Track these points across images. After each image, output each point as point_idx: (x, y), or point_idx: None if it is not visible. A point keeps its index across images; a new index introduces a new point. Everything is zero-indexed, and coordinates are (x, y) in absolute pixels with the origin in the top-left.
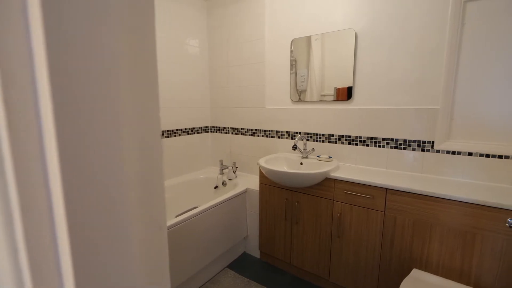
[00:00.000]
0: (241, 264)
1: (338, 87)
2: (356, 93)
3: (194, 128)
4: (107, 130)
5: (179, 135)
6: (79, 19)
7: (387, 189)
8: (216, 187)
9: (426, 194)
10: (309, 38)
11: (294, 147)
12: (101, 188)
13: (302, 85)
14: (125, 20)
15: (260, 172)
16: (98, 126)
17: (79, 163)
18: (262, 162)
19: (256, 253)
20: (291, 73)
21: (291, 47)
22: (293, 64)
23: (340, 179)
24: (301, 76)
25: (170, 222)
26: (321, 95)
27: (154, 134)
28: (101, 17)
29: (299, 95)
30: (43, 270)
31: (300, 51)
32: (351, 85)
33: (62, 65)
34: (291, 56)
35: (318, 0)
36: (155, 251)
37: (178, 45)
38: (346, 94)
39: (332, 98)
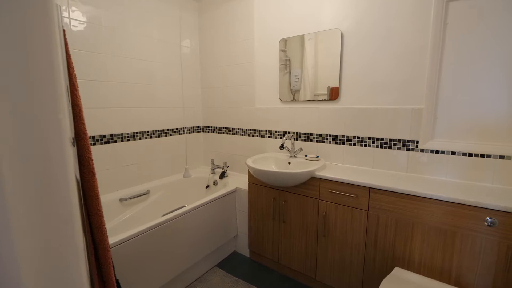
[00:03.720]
0: (231, 263)
1: (331, 86)
2: (342, 92)
3: (185, 128)
4: None
5: (170, 134)
6: None
7: (370, 188)
8: (207, 187)
9: (407, 193)
10: (302, 38)
11: (282, 147)
12: None
13: (296, 85)
14: None
15: (249, 172)
16: None
17: None
18: (250, 162)
19: (246, 252)
20: (285, 73)
21: (279, 47)
22: (287, 64)
23: (325, 178)
24: (295, 76)
25: (156, 221)
26: (315, 95)
27: (53, 136)
28: None
29: (293, 95)
30: None
31: (294, 50)
32: (337, 85)
33: None
34: (284, 56)
35: (304, 0)
36: (58, 244)
37: (169, 46)
38: (339, 93)
39: (326, 97)
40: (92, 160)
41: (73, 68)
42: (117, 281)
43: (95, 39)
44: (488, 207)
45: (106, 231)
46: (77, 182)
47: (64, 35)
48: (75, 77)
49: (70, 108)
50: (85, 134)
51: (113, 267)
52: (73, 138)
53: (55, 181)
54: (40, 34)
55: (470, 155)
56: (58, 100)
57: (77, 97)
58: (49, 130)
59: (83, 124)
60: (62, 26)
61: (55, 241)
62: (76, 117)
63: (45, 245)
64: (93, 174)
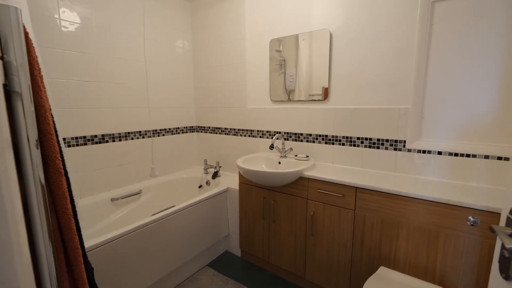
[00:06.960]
0: (222, 263)
1: (325, 86)
2: (332, 93)
3: (179, 128)
4: None
5: (163, 134)
6: None
7: (356, 187)
8: (200, 187)
9: (392, 192)
10: (296, 38)
11: (271, 147)
12: None
13: (291, 85)
14: None
15: (239, 172)
16: None
17: None
18: (240, 162)
19: (237, 252)
20: (280, 73)
21: (270, 48)
22: (282, 64)
23: (313, 178)
24: (290, 76)
25: (143, 221)
26: (309, 95)
27: None
28: None
29: (288, 95)
30: None
31: (289, 50)
32: (327, 85)
33: None
34: (279, 56)
35: (294, 1)
36: None
37: (162, 46)
38: (328, 93)
39: (320, 97)
40: (59, 159)
41: (38, 70)
42: (92, 280)
43: (86, 39)
44: (470, 207)
45: (75, 230)
46: (40, 181)
47: (27, 37)
48: (41, 79)
49: (33, 109)
50: (51, 134)
51: (87, 264)
52: (36, 140)
53: None
54: None
55: (456, 155)
56: None
57: (42, 98)
58: None
59: (49, 124)
60: (24, 28)
61: None
62: (41, 118)
63: None
64: (60, 174)
